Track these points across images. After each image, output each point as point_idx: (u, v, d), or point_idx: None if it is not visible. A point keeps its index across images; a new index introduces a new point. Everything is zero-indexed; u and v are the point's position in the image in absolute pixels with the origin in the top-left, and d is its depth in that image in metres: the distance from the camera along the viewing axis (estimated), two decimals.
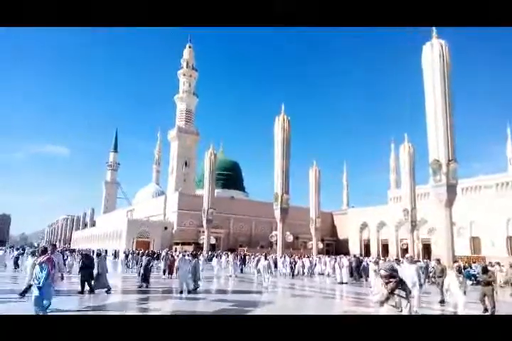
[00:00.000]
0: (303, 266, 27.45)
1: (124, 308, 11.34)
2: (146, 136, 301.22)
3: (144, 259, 17.55)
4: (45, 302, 8.62)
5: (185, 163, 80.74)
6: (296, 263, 26.99)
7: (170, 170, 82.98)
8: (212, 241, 59.14)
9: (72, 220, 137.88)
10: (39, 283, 8.28)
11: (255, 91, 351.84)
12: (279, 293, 17.15)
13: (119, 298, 13.50)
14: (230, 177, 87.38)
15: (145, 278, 16.49)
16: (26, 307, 9.03)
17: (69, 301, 11.99)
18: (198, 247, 53.97)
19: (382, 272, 4.44)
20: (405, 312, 4.32)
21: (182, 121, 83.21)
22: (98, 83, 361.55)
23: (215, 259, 27.04)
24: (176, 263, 16.24)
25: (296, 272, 26.39)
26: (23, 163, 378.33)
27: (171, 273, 20.47)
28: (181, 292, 14.51)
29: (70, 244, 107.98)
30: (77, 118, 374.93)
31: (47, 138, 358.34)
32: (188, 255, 18.28)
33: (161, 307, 11.63)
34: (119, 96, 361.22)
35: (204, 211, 57.33)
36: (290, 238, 53.92)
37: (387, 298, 4.36)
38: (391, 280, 4.35)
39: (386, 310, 4.41)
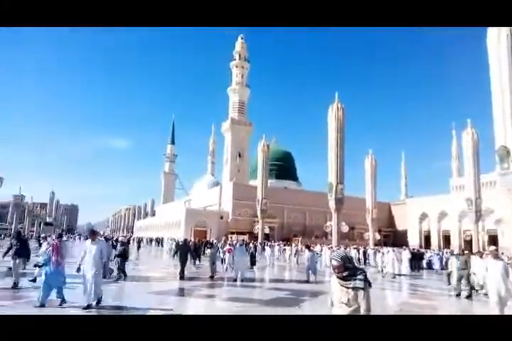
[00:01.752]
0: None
1: (186, 294, 11.72)
2: (201, 129, 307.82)
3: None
4: (50, 282, 8.50)
5: (239, 154, 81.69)
6: None
7: (224, 161, 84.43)
8: (267, 230, 59.64)
9: (134, 210, 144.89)
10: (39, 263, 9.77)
11: (308, 80, 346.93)
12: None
13: (177, 285, 13.95)
14: (283, 167, 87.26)
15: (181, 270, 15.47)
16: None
17: (131, 287, 12.58)
18: (253, 237, 54.67)
19: (334, 262, 3.63)
20: (362, 308, 3.51)
21: (235, 113, 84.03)
22: (155, 78, 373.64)
23: (268, 249, 27.09)
24: (233, 253, 16.60)
25: None
26: (89, 157, 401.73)
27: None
28: (235, 280, 14.74)
29: (132, 232, 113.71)
30: (137, 112, 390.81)
31: (109, 132, 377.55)
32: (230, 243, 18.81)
33: (219, 293, 11.89)
34: (175, 90, 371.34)
35: (258, 201, 57.80)
36: (345, 228, 53.11)
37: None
38: (345, 272, 3.59)
39: (339, 309, 3.65)
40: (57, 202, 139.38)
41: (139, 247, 36.65)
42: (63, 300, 8.59)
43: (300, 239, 57.11)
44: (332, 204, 42.93)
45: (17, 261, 11.17)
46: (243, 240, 22.10)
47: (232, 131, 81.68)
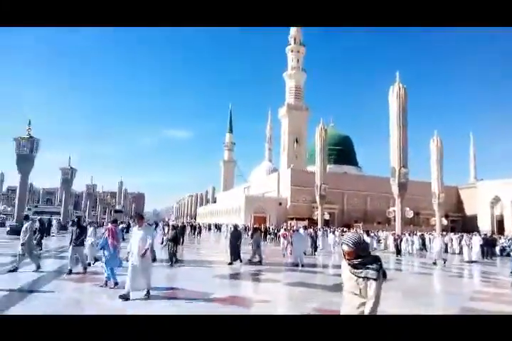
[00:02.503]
0: (412, 243, 25.59)
1: (249, 278, 11.83)
2: (258, 116, 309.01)
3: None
4: (108, 271, 9.02)
5: (296, 140, 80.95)
6: (401, 240, 24.95)
7: (281, 147, 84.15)
8: (326, 216, 58.93)
9: (196, 197, 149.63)
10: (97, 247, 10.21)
11: (366, 61, 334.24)
12: (400, 270, 16.31)
13: (240, 269, 14.12)
14: (341, 152, 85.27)
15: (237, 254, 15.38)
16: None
17: (195, 271, 12.92)
18: (312, 222, 54.27)
19: (345, 247, 3.21)
20: (369, 305, 3.08)
21: (291, 98, 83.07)
22: (212, 68, 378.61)
23: (331, 235, 26.52)
24: (288, 238, 16.49)
25: (403, 250, 24.51)
26: (153, 147, 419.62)
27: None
28: (296, 265, 14.67)
29: (195, 218, 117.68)
30: (197, 103, 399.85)
31: (172, 124, 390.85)
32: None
33: (281, 278, 11.87)
34: (232, 79, 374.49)
35: (317, 187, 57.11)
36: (410, 214, 51.09)
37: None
38: (357, 260, 3.17)
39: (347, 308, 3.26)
40: (126, 190, 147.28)
41: (199, 233, 37.67)
42: (106, 283, 8.97)
43: (361, 225, 55.88)
44: (395, 189, 41.30)
45: (73, 248, 10.82)
46: (305, 226, 21.63)
47: (289, 117, 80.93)
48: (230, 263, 14.58)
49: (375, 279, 3.08)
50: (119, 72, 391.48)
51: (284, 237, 19.01)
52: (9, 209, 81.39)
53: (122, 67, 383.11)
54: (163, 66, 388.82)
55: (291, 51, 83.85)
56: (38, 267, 11.08)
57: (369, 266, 3.14)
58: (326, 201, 58.39)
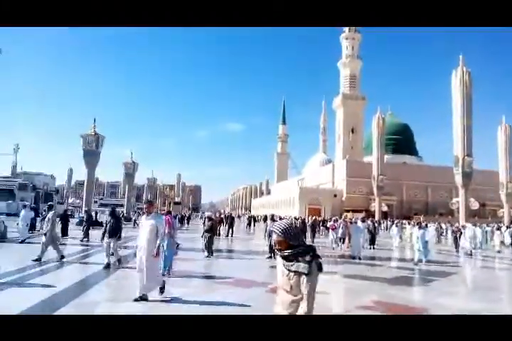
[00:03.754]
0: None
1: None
2: (312, 107, 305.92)
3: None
4: (167, 254, 9.30)
5: (352, 130, 79.02)
6: (461, 233, 22.60)
7: (336, 138, 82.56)
8: (384, 208, 57.32)
9: (251, 189, 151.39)
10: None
11: (425, 44, 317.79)
12: (464, 264, 15.50)
13: None
14: (400, 141, 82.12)
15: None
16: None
17: (251, 262, 13.08)
18: (369, 215, 52.97)
19: (274, 236, 2.71)
20: (303, 305, 2.56)
21: (346, 87, 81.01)
22: (264, 60, 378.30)
23: (394, 228, 24.10)
24: (349, 230, 16.18)
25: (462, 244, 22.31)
26: (208, 140, 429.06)
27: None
28: (354, 257, 14.41)
29: (250, 210, 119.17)
30: (250, 96, 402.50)
31: (226, 117, 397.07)
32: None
33: (339, 270, 11.72)
34: (284, 70, 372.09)
35: (374, 178, 55.59)
36: (475, 205, 48.32)
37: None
38: (287, 251, 2.66)
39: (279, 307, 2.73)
40: (184, 183, 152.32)
41: (249, 224, 38.02)
42: (168, 272, 9.23)
43: (422, 217, 53.70)
44: (459, 179, 39.18)
45: (107, 240, 10.13)
46: (363, 218, 20.73)
47: (344, 107, 79.04)
48: (354, 257, 14.42)
49: (306, 274, 2.56)
50: (176, 67, 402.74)
51: (332, 229, 18.45)
52: (77, 201, 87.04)
53: (179, 62, 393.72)
54: (218, 60, 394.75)
55: (346, 39, 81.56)
56: (62, 257, 10.79)
57: (300, 257, 2.62)
58: (384, 192, 56.73)
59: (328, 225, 18.96)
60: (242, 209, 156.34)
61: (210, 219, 13.66)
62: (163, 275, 9.08)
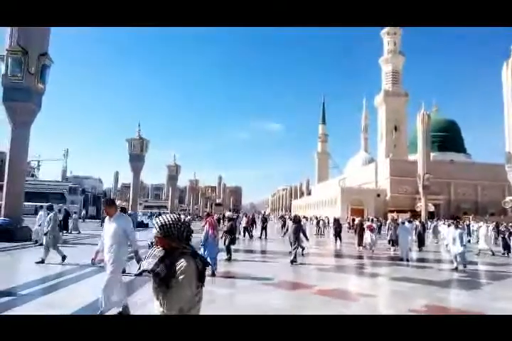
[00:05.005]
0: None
1: (352, 271, 11.58)
2: (353, 105, 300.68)
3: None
4: (209, 259, 9.01)
5: (395, 128, 76.87)
6: (510, 233, 19.49)
7: (379, 136, 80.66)
8: (431, 208, 55.33)
9: (291, 190, 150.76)
10: (201, 242, 9.73)
11: (472, 36, 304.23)
12: None
13: (339, 262, 13.88)
14: (446, 138, 78.92)
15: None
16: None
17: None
18: (415, 215, 51.27)
19: (154, 232, 2.29)
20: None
21: (388, 84, 78.97)
22: (302, 60, 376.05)
23: (445, 228, 22.15)
24: (397, 231, 15.70)
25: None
26: (248, 141, 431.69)
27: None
28: (401, 259, 13.97)
29: (290, 211, 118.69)
30: (289, 96, 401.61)
31: (265, 117, 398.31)
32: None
33: (387, 272, 11.41)
34: (324, 69, 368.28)
35: (419, 177, 53.79)
36: None
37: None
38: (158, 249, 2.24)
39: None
40: (224, 184, 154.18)
41: (283, 225, 37.62)
42: (213, 273, 9.16)
43: (471, 216, 51.32)
44: (511, 176, 37.15)
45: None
46: (410, 218, 19.81)
47: (386, 104, 77.03)
48: (401, 259, 13.76)
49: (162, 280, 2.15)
50: (215, 70, 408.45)
51: (371, 230, 17.58)
52: (124, 204, 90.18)
53: (218, 65, 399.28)
54: (256, 61, 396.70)
55: (387, 34, 79.49)
56: (63, 258, 10.24)
57: (177, 261, 2.17)
58: (430, 192, 54.76)
59: (365, 226, 18.12)
60: (282, 210, 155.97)
61: (229, 219, 12.78)
62: (211, 275, 9.17)
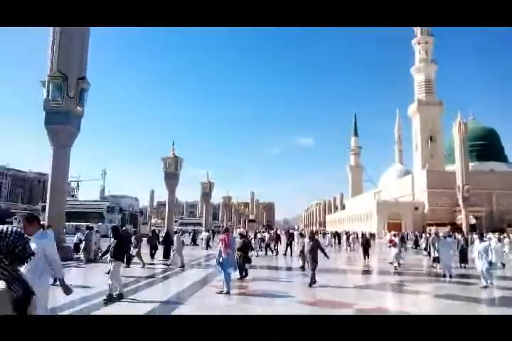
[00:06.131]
0: None
1: (395, 289, 11.19)
2: (384, 117, 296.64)
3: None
4: (229, 271, 9.32)
5: (430, 138, 74.83)
6: None
7: (414, 147, 78.72)
8: (472, 220, 53.09)
9: (325, 204, 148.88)
10: (216, 260, 9.67)
11: (507, 41, 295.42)
12: None
13: (380, 279, 13.45)
14: (486, 147, 75.98)
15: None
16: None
17: (333, 280, 12.68)
18: (455, 228, 49.29)
19: None
20: None
21: (422, 94, 77.34)
22: (333, 72, 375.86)
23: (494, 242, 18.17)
24: (437, 245, 15.07)
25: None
26: (280, 157, 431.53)
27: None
28: (444, 275, 13.37)
29: (324, 226, 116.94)
30: (318, 108, 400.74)
31: (296, 132, 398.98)
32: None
33: (430, 290, 10.95)
34: (354, 81, 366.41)
35: (458, 188, 51.91)
36: None
37: None
38: None
39: None
40: (257, 200, 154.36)
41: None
42: (228, 293, 9.04)
43: None
44: None
45: (112, 264, 8.39)
46: (449, 232, 18.41)
47: (420, 114, 75.27)
48: (444, 276, 13.31)
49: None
50: (246, 87, 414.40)
51: (393, 245, 16.38)
52: (159, 221, 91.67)
53: (249, 82, 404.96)
54: (287, 77, 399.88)
55: (418, 43, 78.35)
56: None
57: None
58: (471, 203, 52.65)
59: (386, 239, 17.08)
60: (316, 225, 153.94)
61: (242, 236, 12.45)
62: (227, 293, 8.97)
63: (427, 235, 26.92)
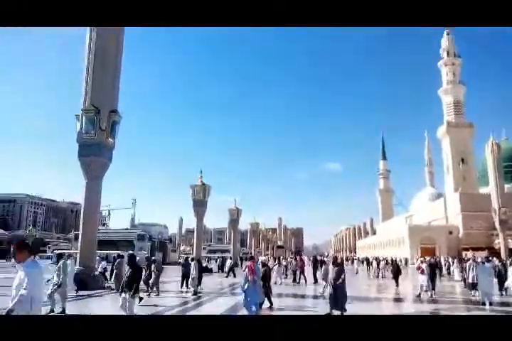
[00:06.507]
0: None
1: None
2: (412, 139, 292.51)
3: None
4: (252, 305, 8.82)
5: (462, 160, 72.96)
6: None
7: (445, 169, 76.84)
8: (511, 244, 50.60)
9: (354, 229, 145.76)
10: (241, 288, 9.26)
11: None
12: None
13: (415, 307, 12.97)
14: None
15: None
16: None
17: (369, 308, 12.31)
18: (493, 252, 47.06)
19: None
20: None
21: (451, 115, 76.20)
22: (357, 95, 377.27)
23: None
24: (475, 271, 14.42)
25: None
26: (307, 182, 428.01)
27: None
28: (483, 303, 12.72)
29: (355, 252, 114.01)
30: (345, 133, 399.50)
31: (323, 157, 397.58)
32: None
33: None
34: (380, 104, 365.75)
35: (494, 211, 49.95)
36: None
37: None
38: None
39: None
40: (285, 226, 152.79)
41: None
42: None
43: None
44: None
45: (123, 295, 8.06)
46: (487, 257, 16.95)
47: (450, 136, 73.81)
48: (483, 303, 12.61)
49: None
50: (270, 113, 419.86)
51: (421, 272, 15.39)
52: (188, 248, 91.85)
53: (274, 109, 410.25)
54: (311, 102, 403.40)
55: (445, 65, 77.99)
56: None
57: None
58: (509, 226, 50.36)
59: (416, 265, 16.11)
60: (346, 251, 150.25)
61: (263, 264, 11.95)
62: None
63: (463, 260, 25.85)
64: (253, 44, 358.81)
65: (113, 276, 15.64)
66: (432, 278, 15.75)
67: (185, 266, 17.26)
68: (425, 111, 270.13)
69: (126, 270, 8.61)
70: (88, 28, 17.86)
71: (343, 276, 10.08)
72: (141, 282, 13.97)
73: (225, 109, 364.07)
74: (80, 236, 17.19)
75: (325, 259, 24.74)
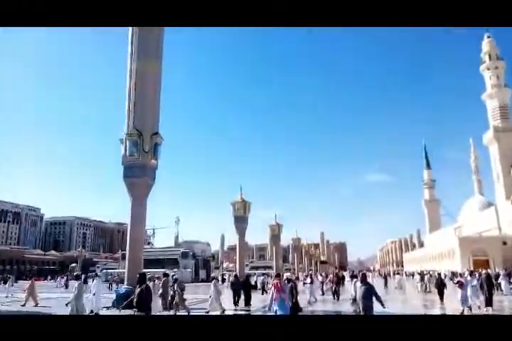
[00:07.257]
0: None
1: None
2: (458, 146, 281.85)
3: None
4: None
5: None
6: None
7: (495, 177, 73.33)
8: None
9: (400, 242, 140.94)
10: (268, 307, 9.41)
11: None
12: None
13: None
14: None
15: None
16: None
17: None
18: None
19: None
20: None
21: (497, 120, 73.13)
22: (395, 106, 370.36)
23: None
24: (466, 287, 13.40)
25: None
26: (350, 195, 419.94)
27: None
28: None
29: (402, 266, 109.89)
30: (387, 143, 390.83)
31: (366, 168, 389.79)
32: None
33: None
34: (421, 112, 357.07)
35: None
36: None
37: None
38: None
39: None
40: (327, 241, 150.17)
41: (385, 283, 32.94)
42: None
43: None
44: None
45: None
46: None
47: (498, 141, 70.59)
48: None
49: None
50: (310, 126, 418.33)
51: (460, 286, 14.16)
52: (231, 265, 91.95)
53: (312, 118, 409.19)
54: (351, 114, 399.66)
55: (488, 69, 75.48)
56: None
57: None
58: None
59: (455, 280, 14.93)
60: (393, 264, 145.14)
61: (289, 280, 11.53)
62: None
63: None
64: (301, 58, 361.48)
65: (158, 295, 15.72)
66: (490, 292, 14.85)
67: (234, 284, 17.03)
68: (468, 117, 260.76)
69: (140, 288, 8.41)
70: (129, 50, 18.79)
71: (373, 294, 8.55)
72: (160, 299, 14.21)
73: (265, 128, 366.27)
74: (127, 256, 17.68)
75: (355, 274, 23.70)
